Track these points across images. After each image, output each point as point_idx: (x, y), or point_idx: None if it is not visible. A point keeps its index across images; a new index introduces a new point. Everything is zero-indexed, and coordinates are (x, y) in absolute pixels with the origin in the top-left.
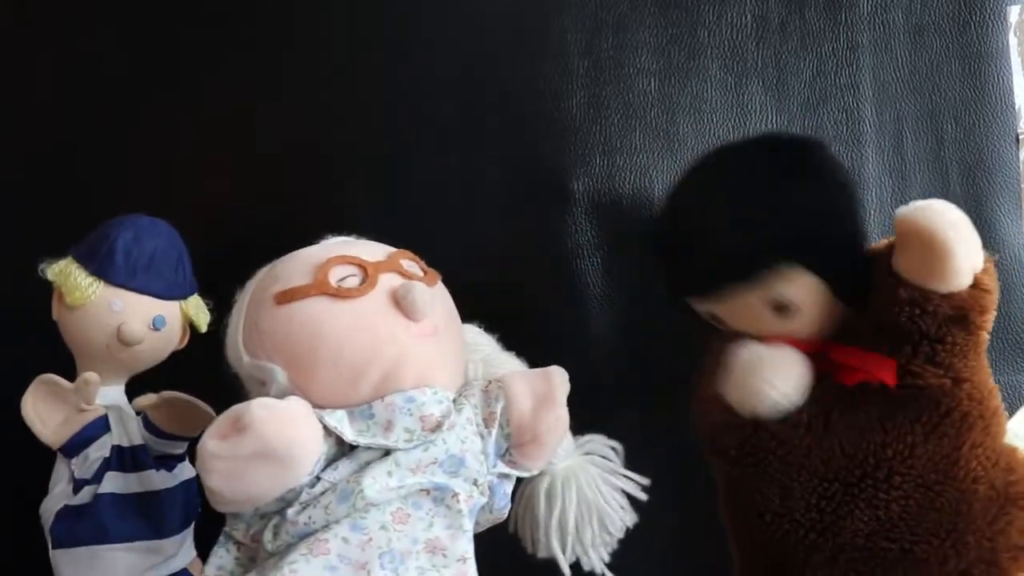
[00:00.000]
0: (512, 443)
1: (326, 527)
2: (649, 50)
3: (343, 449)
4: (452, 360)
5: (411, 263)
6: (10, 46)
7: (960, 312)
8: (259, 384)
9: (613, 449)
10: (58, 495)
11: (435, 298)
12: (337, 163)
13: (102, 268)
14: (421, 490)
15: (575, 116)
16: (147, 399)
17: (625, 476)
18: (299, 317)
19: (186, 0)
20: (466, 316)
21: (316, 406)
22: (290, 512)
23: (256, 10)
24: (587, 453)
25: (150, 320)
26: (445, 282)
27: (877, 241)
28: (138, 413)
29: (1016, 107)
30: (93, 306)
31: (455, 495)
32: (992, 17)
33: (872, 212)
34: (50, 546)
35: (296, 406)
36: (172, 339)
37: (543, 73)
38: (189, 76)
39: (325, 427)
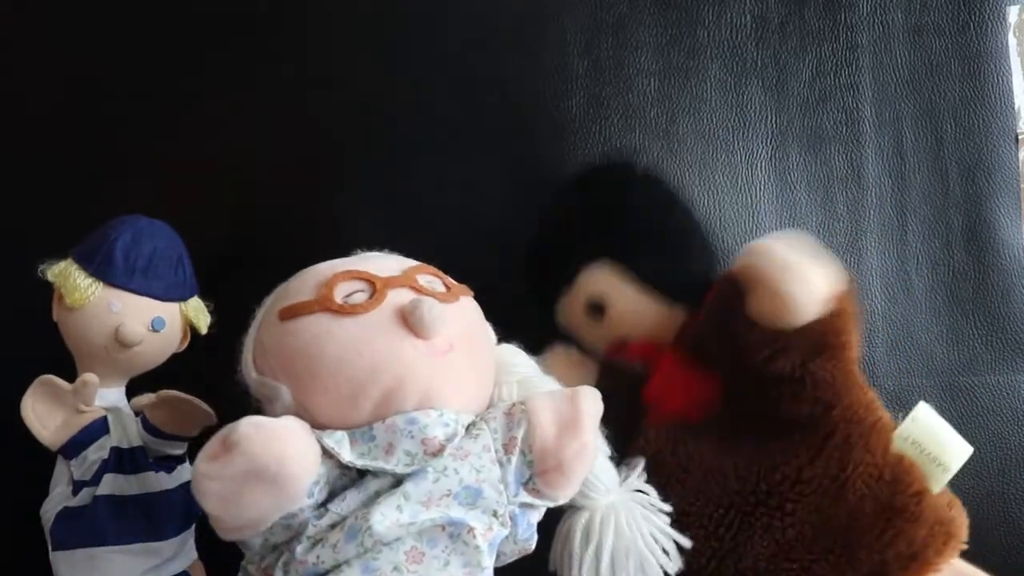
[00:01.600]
0: (535, 471)
1: (337, 567)
2: (649, 50)
3: (350, 477)
4: (469, 381)
5: (431, 278)
6: (11, 46)
7: (816, 342)
8: (268, 402)
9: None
10: (57, 497)
11: (450, 315)
12: (337, 163)
13: (101, 269)
14: (436, 526)
15: (575, 116)
16: (145, 398)
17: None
18: (301, 334)
19: (188, 2)
20: None
21: (319, 426)
22: (299, 550)
23: (256, 10)
24: (636, 490)
25: (149, 321)
26: None
27: (881, 239)
28: (137, 414)
29: (1015, 107)
30: (92, 307)
31: (471, 530)
32: (991, 17)
33: (871, 212)
34: (50, 548)
35: (288, 423)
36: (172, 341)
37: (543, 73)
38: (189, 77)
39: (325, 449)
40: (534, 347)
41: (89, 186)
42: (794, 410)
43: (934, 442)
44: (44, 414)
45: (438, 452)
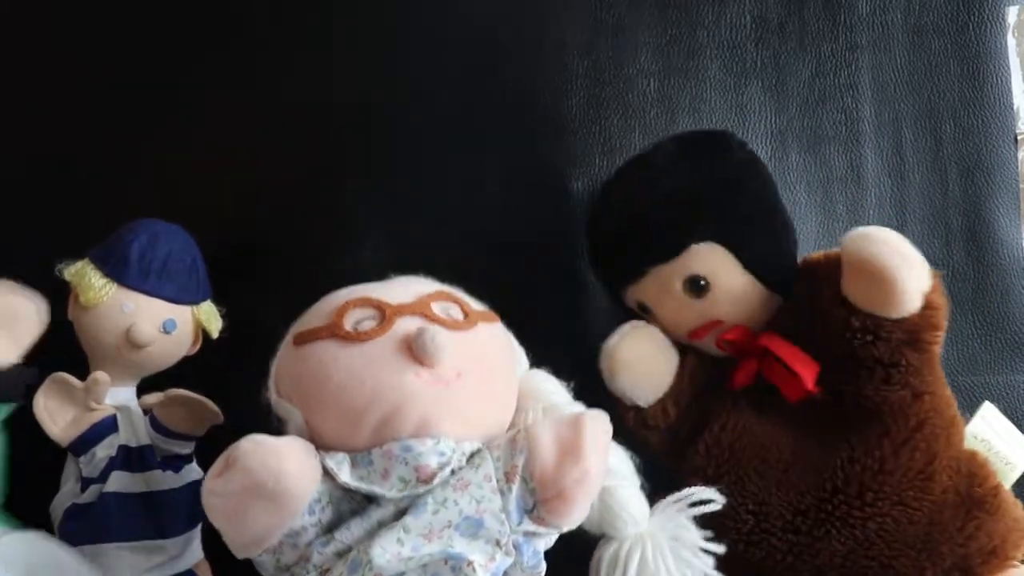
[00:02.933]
0: (538, 498)
1: None
2: (648, 50)
3: (356, 502)
4: (476, 410)
5: (448, 305)
6: (11, 46)
7: (912, 335)
8: (284, 423)
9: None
10: (67, 493)
11: (460, 343)
12: (338, 164)
13: (116, 270)
14: (438, 559)
15: (575, 116)
16: (153, 397)
17: (703, 550)
18: (310, 359)
19: (188, 2)
20: None
21: (326, 448)
22: None
23: (257, 11)
24: (669, 521)
25: (160, 323)
26: (442, 281)
27: None
28: (146, 412)
29: (1015, 107)
30: (105, 307)
31: (470, 563)
32: (991, 18)
33: (871, 212)
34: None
35: (288, 441)
36: (183, 343)
37: (543, 73)
38: (192, 78)
39: (326, 469)
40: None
41: (99, 189)
42: (883, 393)
43: (1002, 440)
44: (55, 410)
45: (429, 480)
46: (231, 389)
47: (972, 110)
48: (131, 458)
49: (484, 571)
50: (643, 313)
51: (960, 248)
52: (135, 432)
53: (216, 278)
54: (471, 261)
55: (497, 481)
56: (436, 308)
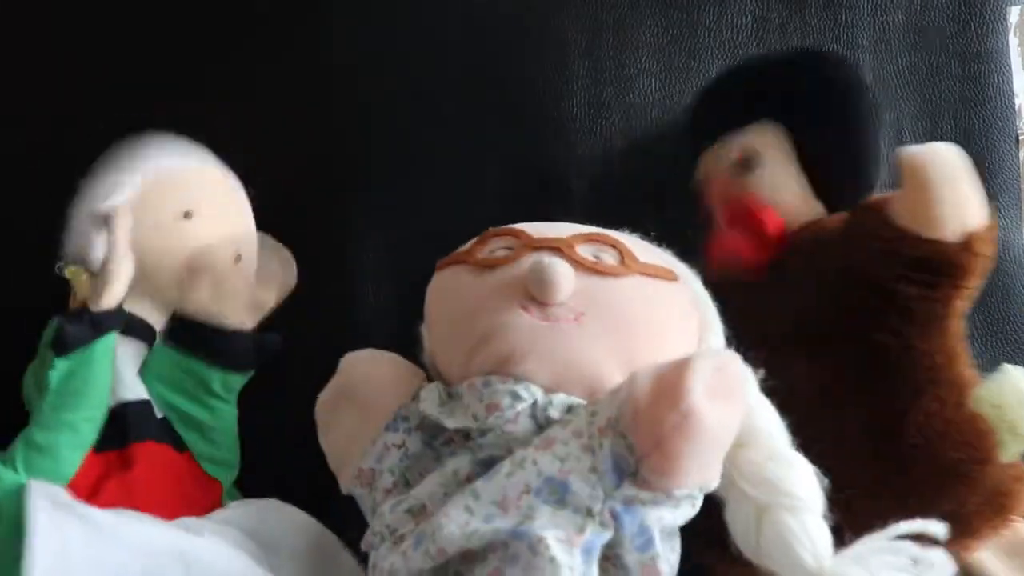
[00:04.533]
0: (638, 454)
1: None
2: (650, 50)
3: (438, 451)
4: (582, 357)
5: (601, 248)
6: (11, 47)
7: (936, 264)
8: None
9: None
10: None
11: (587, 283)
12: (338, 164)
13: None
14: (504, 538)
15: (575, 116)
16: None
17: None
18: (439, 284)
19: (188, 1)
20: None
21: (440, 376)
22: (375, 555)
23: (257, 10)
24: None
25: None
26: None
27: None
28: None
29: (1016, 107)
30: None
31: (540, 539)
32: (992, 18)
33: None
34: None
35: (388, 355)
36: None
37: (543, 73)
38: (191, 78)
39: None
40: None
41: None
42: (873, 332)
43: (1015, 409)
44: None
45: (511, 420)
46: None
47: (973, 110)
48: None
49: (567, 548)
50: (696, 200)
51: None
52: None
53: None
54: None
55: (588, 437)
56: (583, 249)
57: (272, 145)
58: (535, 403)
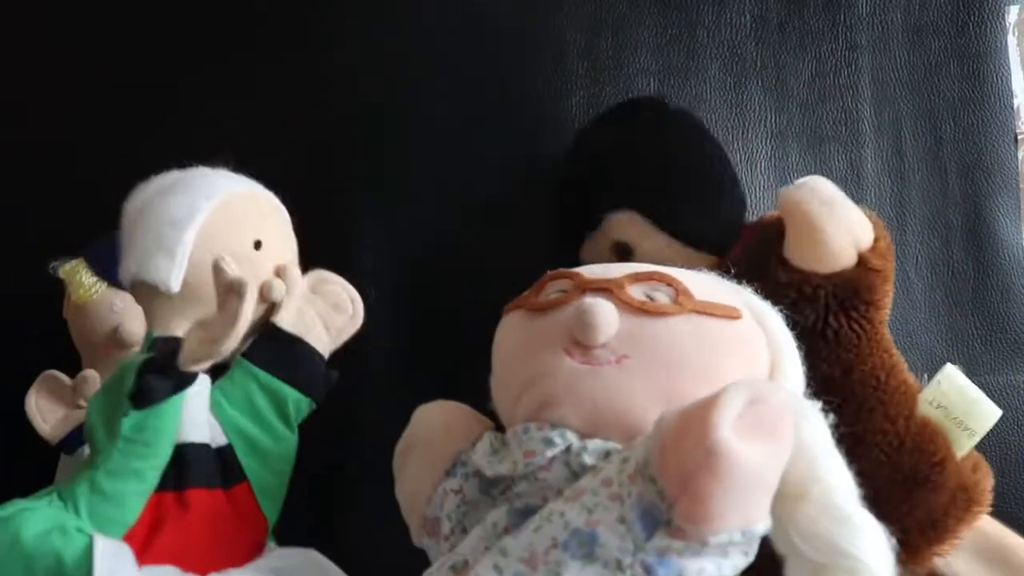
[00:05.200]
0: (670, 500)
1: None
2: (648, 50)
3: (493, 500)
4: (622, 400)
5: (656, 287)
6: (12, 47)
7: (846, 293)
8: None
9: None
10: None
11: (631, 325)
12: (338, 164)
13: (105, 269)
14: None
15: (575, 116)
16: None
17: None
18: (501, 328)
19: (188, 1)
20: (465, 316)
21: (503, 422)
22: None
23: (257, 10)
24: None
25: None
26: (442, 280)
27: None
28: None
29: (1015, 106)
30: (95, 305)
31: None
32: (991, 17)
33: (871, 211)
34: None
35: (454, 404)
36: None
37: (542, 73)
38: (190, 77)
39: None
40: None
41: (99, 188)
42: (812, 368)
43: (960, 406)
44: (46, 409)
45: (544, 467)
46: None
47: (972, 109)
48: None
49: None
50: None
51: (960, 248)
52: None
53: None
54: (472, 261)
55: (619, 485)
56: (635, 288)
57: (272, 145)
58: (569, 449)
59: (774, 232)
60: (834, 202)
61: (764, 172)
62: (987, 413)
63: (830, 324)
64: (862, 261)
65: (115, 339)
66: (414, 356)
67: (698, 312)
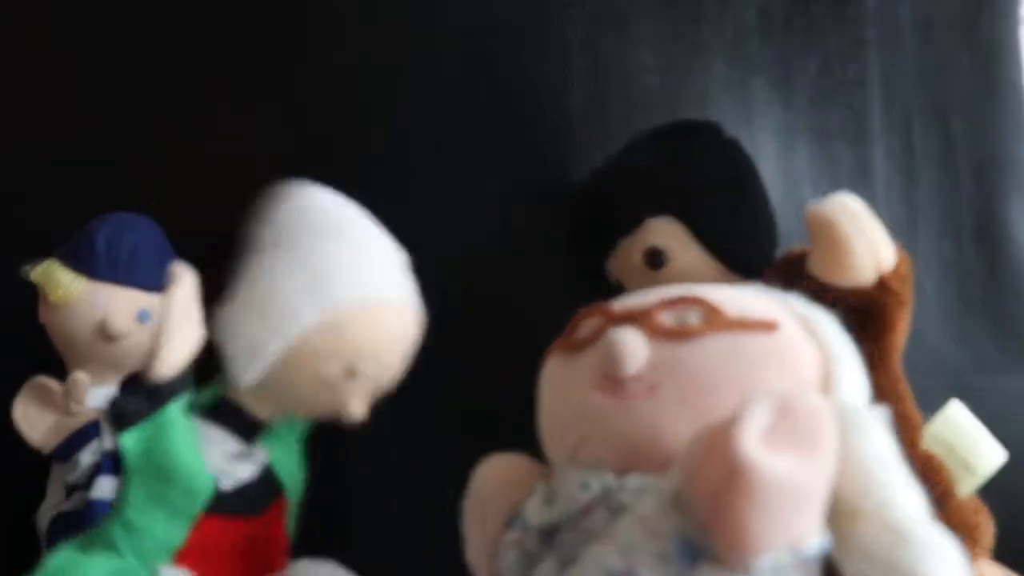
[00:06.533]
0: (706, 529)
1: None
2: (651, 45)
3: (547, 549)
4: (654, 432)
5: (688, 311)
6: (11, 45)
7: (862, 313)
8: None
9: None
10: (52, 500)
11: (661, 352)
12: (337, 163)
13: (83, 263)
14: None
15: (576, 113)
16: None
17: None
18: (543, 374)
19: (189, 2)
20: (465, 315)
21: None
22: None
23: (257, 10)
24: None
25: (135, 313)
26: (443, 280)
27: (891, 238)
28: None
29: None
30: (76, 303)
31: None
32: (1003, 10)
33: (881, 211)
34: (45, 552)
35: (514, 456)
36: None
37: (543, 70)
38: (190, 77)
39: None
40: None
41: (92, 188)
42: None
43: (965, 445)
44: (35, 417)
45: (584, 511)
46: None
47: (984, 105)
48: (116, 463)
49: None
50: (622, 292)
51: (972, 246)
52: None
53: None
54: (472, 259)
55: (655, 519)
56: (664, 315)
57: (272, 145)
58: (607, 490)
59: (799, 262)
60: (862, 218)
61: (770, 169)
62: (991, 455)
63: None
64: (882, 282)
65: (103, 334)
66: (414, 356)
67: (730, 329)
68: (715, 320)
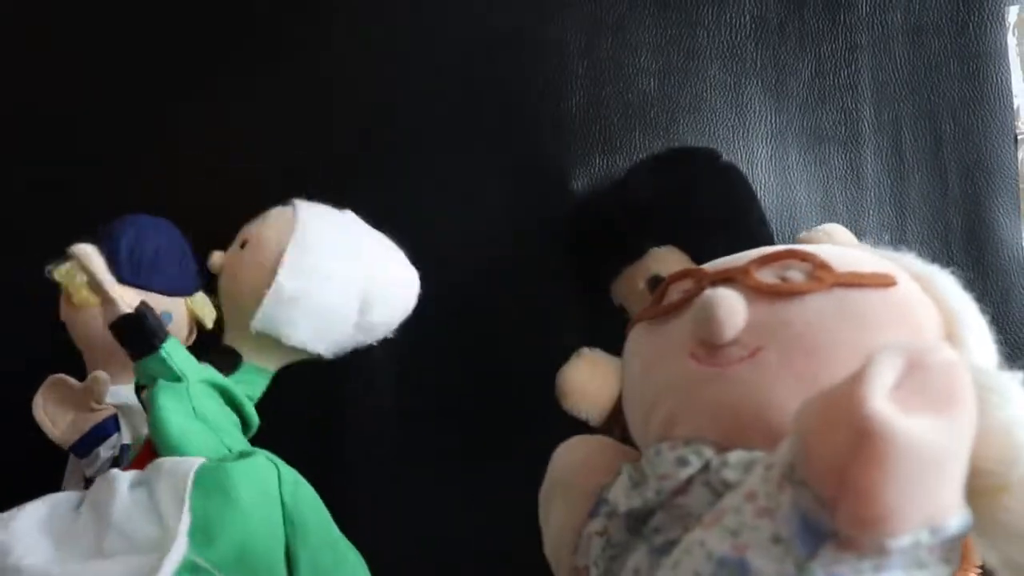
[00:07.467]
0: (828, 504)
1: None
2: (648, 50)
3: (636, 537)
4: (760, 400)
5: (791, 266)
6: (11, 46)
7: None
8: None
9: None
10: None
11: (762, 312)
12: (337, 163)
13: (107, 267)
14: None
15: (575, 116)
16: None
17: None
18: (627, 345)
19: (188, 2)
20: (465, 316)
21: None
22: None
23: (257, 11)
24: None
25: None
26: (443, 282)
27: (881, 240)
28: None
29: (1015, 107)
30: (99, 305)
31: None
32: (991, 17)
33: (871, 212)
34: None
35: (591, 437)
36: (178, 335)
37: (543, 73)
38: (191, 77)
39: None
40: (535, 339)
41: (96, 187)
42: None
43: None
44: (55, 413)
45: (680, 491)
46: None
47: (972, 110)
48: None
49: None
50: (624, 315)
51: (960, 248)
52: (136, 431)
53: (216, 279)
54: (472, 261)
55: (766, 497)
56: (763, 272)
57: (272, 145)
58: (707, 466)
59: None
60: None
61: (764, 172)
62: None
63: None
64: None
65: None
66: (414, 356)
67: (842, 285)
68: (823, 275)
